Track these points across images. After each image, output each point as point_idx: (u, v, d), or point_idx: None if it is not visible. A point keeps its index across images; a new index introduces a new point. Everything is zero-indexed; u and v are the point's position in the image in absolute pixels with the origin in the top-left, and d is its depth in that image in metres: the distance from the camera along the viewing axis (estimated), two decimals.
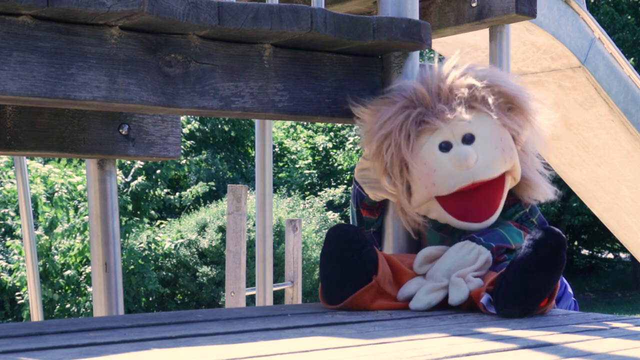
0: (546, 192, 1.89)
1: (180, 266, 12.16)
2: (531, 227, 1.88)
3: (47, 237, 10.44)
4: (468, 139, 1.80)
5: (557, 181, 1.97)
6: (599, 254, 20.43)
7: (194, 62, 1.72)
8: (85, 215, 10.63)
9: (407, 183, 1.84)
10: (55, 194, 10.51)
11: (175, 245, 12.06)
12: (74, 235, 10.62)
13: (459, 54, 1.91)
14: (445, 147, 1.80)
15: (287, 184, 17.54)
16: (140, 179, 11.75)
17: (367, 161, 1.90)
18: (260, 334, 1.41)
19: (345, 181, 17.74)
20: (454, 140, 1.81)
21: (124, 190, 11.70)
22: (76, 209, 10.83)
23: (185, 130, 15.96)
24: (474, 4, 2.31)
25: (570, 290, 2.04)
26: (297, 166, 18.60)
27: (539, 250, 1.59)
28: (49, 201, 10.52)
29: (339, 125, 17.56)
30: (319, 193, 17.11)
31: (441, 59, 1.93)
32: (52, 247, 10.60)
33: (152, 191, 12.32)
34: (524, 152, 1.87)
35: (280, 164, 18.90)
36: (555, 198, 1.90)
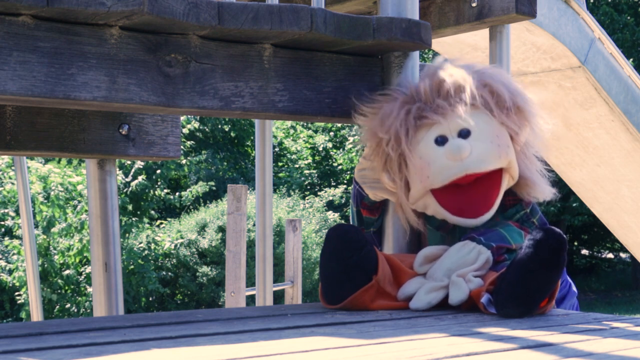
0: (545, 191, 1.90)
1: (180, 266, 12.17)
2: (532, 228, 1.88)
3: (45, 237, 10.43)
4: (464, 134, 1.81)
5: (557, 181, 1.98)
6: (599, 254, 20.43)
7: (194, 62, 1.72)
8: (82, 214, 10.63)
9: (406, 179, 1.85)
10: (52, 193, 10.51)
11: (175, 245, 12.06)
12: (71, 234, 10.62)
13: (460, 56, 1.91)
14: (441, 141, 1.81)
15: (287, 184, 17.53)
16: (140, 178, 11.75)
17: (367, 161, 1.90)
18: (260, 334, 1.41)
19: (345, 181, 17.74)
20: (450, 134, 1.81)
21: (124, 190, 11.70)
22: (74, 207, 10.83)
23: (185, 130, 15.96)
24: (474, 4, 2.31)
25: (574, 289, 2.04)
26: (297, 166, 18.60)
27: (540, 250, 1.59)
28: (46, 200, 10.52)
29: (339, 125, 17.56)
30: (319, 193, 17.11)
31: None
32: (51, 247, 10.59)
33: (152, 191, 12.32)
34: (523, 153, 1.88)
35: (280, 164, 18.89)
36: (554, 198, 1.90)
